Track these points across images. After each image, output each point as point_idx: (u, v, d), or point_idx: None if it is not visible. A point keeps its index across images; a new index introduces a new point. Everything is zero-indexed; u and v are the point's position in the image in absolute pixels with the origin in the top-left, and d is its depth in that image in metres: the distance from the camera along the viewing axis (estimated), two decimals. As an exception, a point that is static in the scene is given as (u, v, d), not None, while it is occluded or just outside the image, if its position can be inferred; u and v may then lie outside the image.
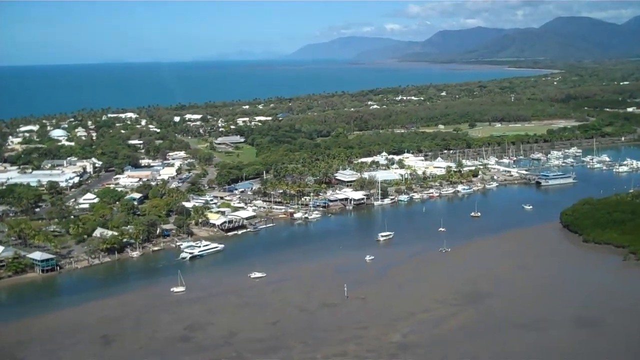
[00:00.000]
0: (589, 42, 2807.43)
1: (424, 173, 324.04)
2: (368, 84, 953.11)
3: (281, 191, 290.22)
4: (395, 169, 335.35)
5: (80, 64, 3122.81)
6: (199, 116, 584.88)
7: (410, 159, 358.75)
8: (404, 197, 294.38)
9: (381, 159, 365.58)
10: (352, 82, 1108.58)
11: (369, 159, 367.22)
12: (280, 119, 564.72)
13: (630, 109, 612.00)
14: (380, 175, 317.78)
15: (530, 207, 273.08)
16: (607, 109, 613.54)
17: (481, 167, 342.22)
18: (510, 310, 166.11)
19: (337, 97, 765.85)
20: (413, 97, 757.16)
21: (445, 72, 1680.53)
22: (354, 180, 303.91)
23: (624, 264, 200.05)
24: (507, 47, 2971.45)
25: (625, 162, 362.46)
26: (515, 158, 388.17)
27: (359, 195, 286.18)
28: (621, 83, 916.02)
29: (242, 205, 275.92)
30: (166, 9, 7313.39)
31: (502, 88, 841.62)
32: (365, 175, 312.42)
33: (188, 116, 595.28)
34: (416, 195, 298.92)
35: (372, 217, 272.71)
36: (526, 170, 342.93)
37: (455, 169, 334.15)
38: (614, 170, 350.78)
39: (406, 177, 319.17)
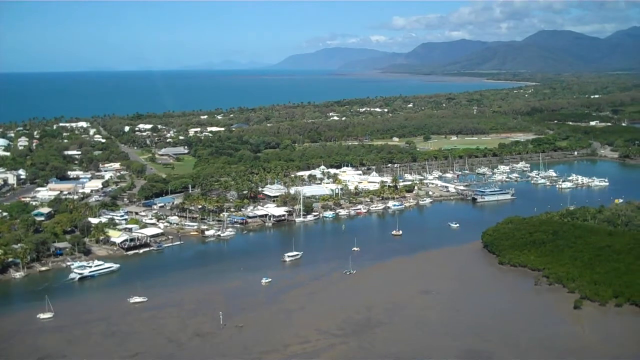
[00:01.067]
0: (571, 55, 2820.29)
1: (355, 188, 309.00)
2: (342, 94, 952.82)
3: (200, 207, 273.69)
4: (327, 183, 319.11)
5: (67, 72, 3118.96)
6: (149, 126, 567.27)
7: (347, 173, 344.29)
8: (329, 214, 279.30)
9: (318, 172, 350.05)
10: (327, 92, 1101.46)
11: (306, 173, 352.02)
12: (233, 129, 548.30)
13: (593, 123, 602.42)
14: (310, 190, 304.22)
15: (457, 225, 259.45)
16: (570, 122, 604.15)
17: (417, 182, 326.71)
18: (393, 342, 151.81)
19: (300, 107, 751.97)
20: (377, 109, 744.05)
21: (424, 83, 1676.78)
22: (278, 196, 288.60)
23: (535, 289, 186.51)
24: (489, 59, 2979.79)
25: (570, 178, 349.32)
26: (459, 172, 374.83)
27: (279, 211, 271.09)
28: (592, 96, 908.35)
29: (154, 221, 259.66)
30: (155, 19, 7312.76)
31: (469, 100, 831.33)
32: (293, 190, 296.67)
33: (141, 126, 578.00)
34: (342, 212, 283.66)
35: (288, 235, 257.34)
36: (464, 186, 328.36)
37: (390, 184, 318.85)
38: (557, 186, 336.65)
39: (337, 192, 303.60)
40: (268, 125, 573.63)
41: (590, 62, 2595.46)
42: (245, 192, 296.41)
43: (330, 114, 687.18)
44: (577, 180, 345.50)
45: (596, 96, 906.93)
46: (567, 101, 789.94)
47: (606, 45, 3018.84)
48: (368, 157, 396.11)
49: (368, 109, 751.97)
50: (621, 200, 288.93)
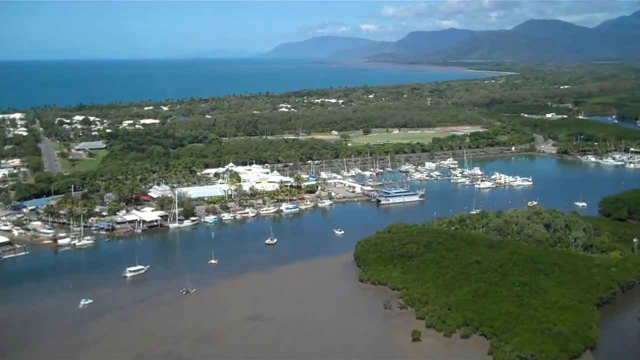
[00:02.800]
0: (558, 45, 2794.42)
1: (251, 189, 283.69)
2: (321, 84, 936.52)
3: (68, 211, 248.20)
4: (221, 183, 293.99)
5: (52, 60, 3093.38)
6: (82, 118, 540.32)
7: (253, 172, 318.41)
8: (210, 219, 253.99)
9: (235, 168, 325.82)
10: (305, 81, 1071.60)
11: (213, 170, 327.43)
12: (169, 122, 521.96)
13: (549, 115, 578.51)
14: (198, 191, 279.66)
15: (342, 232, 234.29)
16: (525, 115, 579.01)
17: (321, 182, 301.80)
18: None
19: (253, 98, 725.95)
20: (333, 100, 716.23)
21: (405, 72, 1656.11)
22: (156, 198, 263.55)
23: (383, 313, 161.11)
24: (476, 49, 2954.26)
25: (494, 177, 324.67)
26: (380, 170, 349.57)
27: (152, 216, 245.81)
28: (562, 87, 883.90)
29: (8, 227, 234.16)
30: (145, 7, 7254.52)
31: (432, 91, 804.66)
32: (181, 190, 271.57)
33: (76, 117, 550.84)
34: (227, 216, 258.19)
35: (152, 244, 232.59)
36: (372, 186, 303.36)
37: (294, 184, 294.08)
38: (475, 186, 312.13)
39: (229, 193, 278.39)
40: (208, 117, 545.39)
41: (576, 52, 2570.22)
42: (125, 193, 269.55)
43: (281, 105, 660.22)
44: (500, 179, 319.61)
45: (567, 87, 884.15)
46: (532, 92, 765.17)
47: (594, 35, 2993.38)
48: (288, 153, 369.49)
49: (325, 100, 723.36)
50: (535, 202, 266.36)
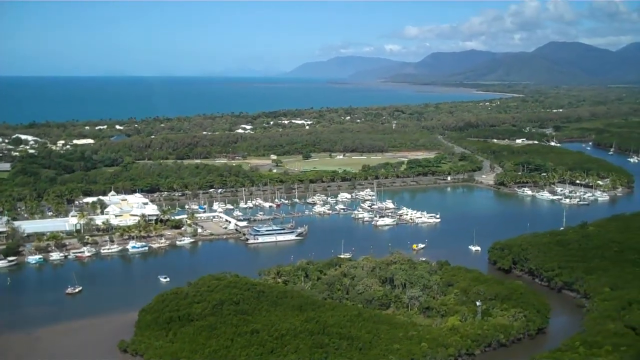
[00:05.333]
0: (578, 67, 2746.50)
1: (104, 223, 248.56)
2: (323, 103, 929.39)
3: None
4: (72, 215, 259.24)
5: (83, 76, 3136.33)
6: (30, 137, 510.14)
7: (129, 202, 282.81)
8: (34, 258, 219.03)
9: (106, 199, 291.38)
10: (307, 100, 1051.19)
11: (91, 199, 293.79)
12: (102, 142, 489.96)
13: (519, 141, 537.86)
14: (38, 225, 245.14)
15: (167, 279, 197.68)
16: (495, 140, 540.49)
17: (187, 215, 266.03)
18: None
19: (218, 118, 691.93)
20: (302, 121, 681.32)
21: (413, 93, 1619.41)
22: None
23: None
24: (493, 70, 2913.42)
25: (401, 212, 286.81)
26: (282, 202, 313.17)
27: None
28: (556, 110, 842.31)
29: None
30: (176, 25, 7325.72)
31: (412, 113, 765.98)
32: (18, 224, 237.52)
33: (23, 136, 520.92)
34: (55, 256, 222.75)
35: None
36: (248, 222, 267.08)
37: (162, 217, 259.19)
38: (373, 223, 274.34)
39: (77, 227, 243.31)
40: (150, 137, 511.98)
41: (597, 75, 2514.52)
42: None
43: (243, 125, 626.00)
44: (407, 214, 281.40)
45: (560, 110, 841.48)
46: (513, 116, 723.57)
47: (617, 58, 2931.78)
48: (192, 180, 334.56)
49: (295, 121, 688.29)
50: (422, 245, 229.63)
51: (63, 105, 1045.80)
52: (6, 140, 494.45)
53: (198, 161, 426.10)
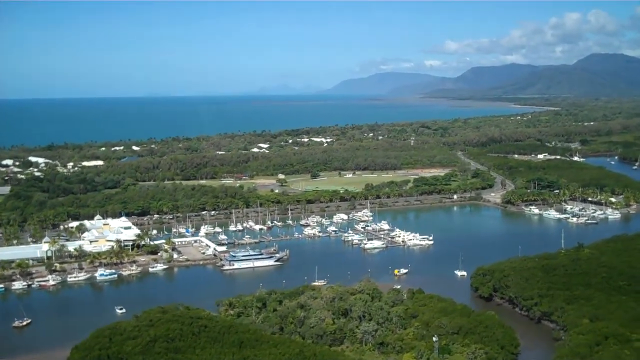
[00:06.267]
0: (620, 79, 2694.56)
1: (76, 249, 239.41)
2: (353, 120, 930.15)
3: None
4: (45, 242, 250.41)
5: (127, 97, 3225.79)
6: (41, 160, 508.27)
7: (111, 226, 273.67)
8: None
9: (88, 223, 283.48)
10: (339, 117, 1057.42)
11: (76, 224, 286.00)
12: (118, 163, 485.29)
13: (540, 156, 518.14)
14: (11, 252, 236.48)
15: (123, 311, 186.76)
16: (516, 155, 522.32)
17: (163, 241, 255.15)
18: None
19: (237, 137, 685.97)
20: (322, 139, 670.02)
21: (448, 109, 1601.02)
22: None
23: None
24: (534, 83, 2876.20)
25: (393, 234, 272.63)
26: (274, 224, 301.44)
27: None
28: (588, 123, 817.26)
29: None
30: (216, 45, 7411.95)
31: (436, 129, 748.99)
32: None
33: (34, 159, 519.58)
34: (17, 285, 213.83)
35: None
36: (227, 246, 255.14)
37: (140, 242, 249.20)
38: (361, 246, 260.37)
39: (49, 254, 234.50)
40: (159, 158, 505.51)
41: (638, 86, 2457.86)
42: None
43: (260, 144, 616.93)
44: (400, 236, 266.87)
45: (592, 123, 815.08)
46: (540, 130, 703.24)
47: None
48: (186, 202, 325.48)
49: (315, 139, 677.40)
50: (404, 271, 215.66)
51: (98, 126, 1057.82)
52: (16, 163, 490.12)
53: (204, 181, 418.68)
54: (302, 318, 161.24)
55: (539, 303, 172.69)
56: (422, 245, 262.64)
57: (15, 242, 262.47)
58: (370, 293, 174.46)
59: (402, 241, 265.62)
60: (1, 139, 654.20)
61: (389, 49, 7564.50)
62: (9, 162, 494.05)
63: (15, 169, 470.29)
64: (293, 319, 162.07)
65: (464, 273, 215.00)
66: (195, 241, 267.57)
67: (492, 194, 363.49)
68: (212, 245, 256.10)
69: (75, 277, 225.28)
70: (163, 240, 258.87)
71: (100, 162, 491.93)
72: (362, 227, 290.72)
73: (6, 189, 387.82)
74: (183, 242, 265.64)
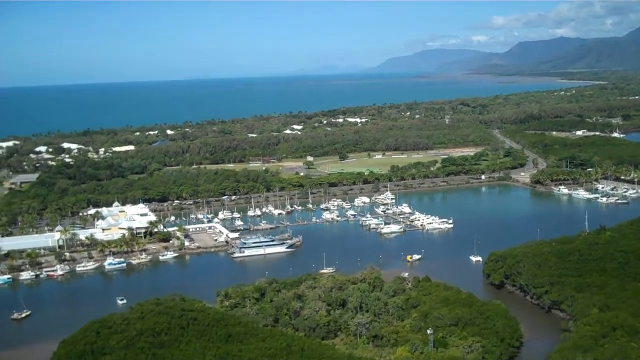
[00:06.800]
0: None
1: (87, 238, 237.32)
2: (396, 98, 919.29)
3: None
4: (57, 230, 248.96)
5: (165, 81, 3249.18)
6: (74, 146, 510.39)
7: (127, 213, 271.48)
8: (2, 279, 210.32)
9: (105, 210, 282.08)
10: (376, 95, 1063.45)
11: (94, 211, 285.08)
12: (148, 148, 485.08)
13: (579, 132, 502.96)
14: (22, 241, 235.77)
15: (124, 301, 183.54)
16: (554, 132, 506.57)
17: (175, 228, 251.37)
18: None
19: (272, 119, 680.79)
20: (357, 119, 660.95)
21: (494, 84, 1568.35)
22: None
23: None
24: (583, 57, 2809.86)
25: (414, 217, 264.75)
26: (294, 208, 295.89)
27: None
28: (630, 97, 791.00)
29: None
30: (257, 26, 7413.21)
31: (475, 107, 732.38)
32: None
33: (67, 145, 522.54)
34: (25, 275, 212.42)
35: None
36: (239, 233, 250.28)
37: (154, 230, 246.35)
38: (378, 231, 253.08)
39: (60, 243, 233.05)
40: (189, 142, 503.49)
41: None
42: None
43: (293, 126, 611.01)
44: (419, 220, 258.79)
45: (636, 97, 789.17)
46: (581, 105, 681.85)
47: None
48: (204, 187, 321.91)
49: (350, 119, 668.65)
50: (417, 257, 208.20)
51: (137, 110, 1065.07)
52: (49, 150, 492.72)
53: (231, 165, 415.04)
54: (298, 309, 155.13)
55: (549, 291, 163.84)
56: (441, 229, 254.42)
57: (31, 230, 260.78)
58: (371, 282, 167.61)
59: (421, 225, 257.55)
60: (37, 125, 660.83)
61: (435, 26, 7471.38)
62: (42, 148, 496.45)
63: (47, 156, 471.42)
64: (288, 310, 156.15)
65: (479, 258, 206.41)
66: (210, 227, 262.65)
67: (522, 174, 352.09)
68: (225, 231, 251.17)
69: (84, 266, 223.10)
70: (175, 228, 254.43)
71: (131, 147, 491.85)
72: (382, 211, 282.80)
73: (33, 177, 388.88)
74: (197, 229, 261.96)
